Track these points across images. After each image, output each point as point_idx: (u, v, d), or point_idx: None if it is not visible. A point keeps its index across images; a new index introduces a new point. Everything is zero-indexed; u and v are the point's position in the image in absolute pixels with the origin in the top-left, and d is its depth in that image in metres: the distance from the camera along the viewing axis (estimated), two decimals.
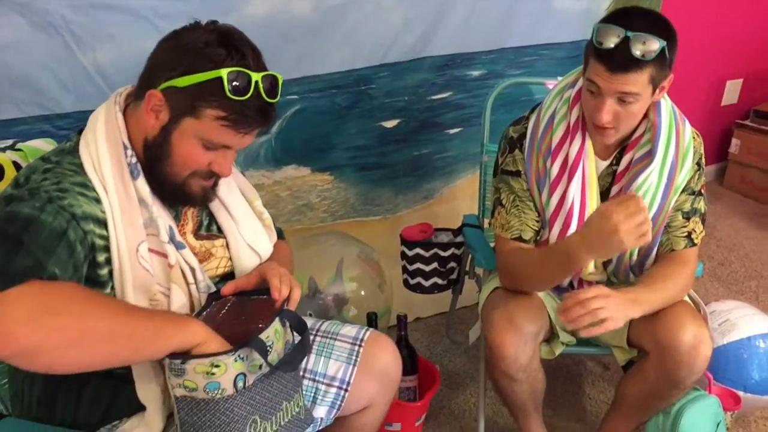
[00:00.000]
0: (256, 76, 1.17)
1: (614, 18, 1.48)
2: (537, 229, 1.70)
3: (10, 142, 1.63)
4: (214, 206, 1.37)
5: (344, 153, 2.37)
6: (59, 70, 1.79)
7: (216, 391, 1.12)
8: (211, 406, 1.12)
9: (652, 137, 1.61)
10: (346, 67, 2.24)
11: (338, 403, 1.44)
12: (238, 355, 1.14)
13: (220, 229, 1.38)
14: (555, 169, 1.65)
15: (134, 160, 1.22)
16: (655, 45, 1.44)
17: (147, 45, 1.84)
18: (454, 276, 2.17)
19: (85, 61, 1.81)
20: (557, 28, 2.58)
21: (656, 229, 1.66)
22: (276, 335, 1.21)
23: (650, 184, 1.62)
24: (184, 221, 1.33)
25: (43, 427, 1.28)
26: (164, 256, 1.23)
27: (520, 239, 1.68)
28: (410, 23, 2.28)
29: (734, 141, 3.66)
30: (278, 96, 1.22)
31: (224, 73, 1.14)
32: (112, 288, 1.19)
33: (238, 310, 1.26)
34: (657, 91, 1.54)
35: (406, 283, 2.20)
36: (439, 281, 2.14)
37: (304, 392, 1.34)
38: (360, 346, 1.47)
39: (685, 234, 1.67)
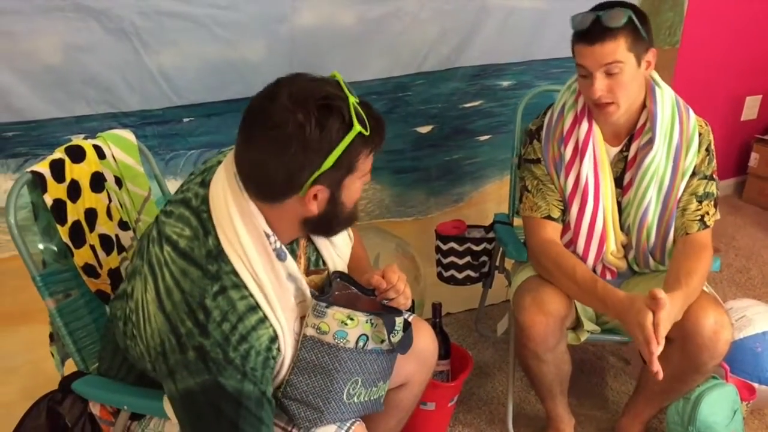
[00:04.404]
0: (351, 100, 1.21)
1: (589, 9, 1.71)
2: (562, 208, 1.85)
3: (81, 137, 1.79)
4: (319, 242, 1.44)
5: (381, 156, 2.43)
6: (127, 71, 1.94)
7: (342, 340, 1.30)
8: (332, 351, 1.30)
9: (651, 125, 1.77)
10: (385, 74, 2.38)
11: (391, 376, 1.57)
12: (371, 320, 1.32)
13: (324, 261, 1.46)
14: (568, 153, 1.82)
15: (279, 244, 1.28)
16: (621, 14, 1.65)
17: (206, 50, 2.04)
18: (485, 269, 2.30)
19: (150, 64, 1.96)
20: None
21: (669, 212, 1.80)
22: (399, 326, 1.36)
23: (656, 167, 1.77)
24: (298, 263, 1.39)
25: (124, 386, 1.40)
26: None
27: (549, 218, 1.84)
28: (446, 35, 2.42)
29: (753, 155, 3.76)
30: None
31: (357, 126, 1.18)
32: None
33: (351, 297, 1.41)
34: (642, 64, 1.70)
35: (440, 275, 2.33)
36: (472, 274, 2.28)
37: None
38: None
39: (699, 217, 1.79)
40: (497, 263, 2.28)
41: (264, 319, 1.24)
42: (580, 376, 2.35)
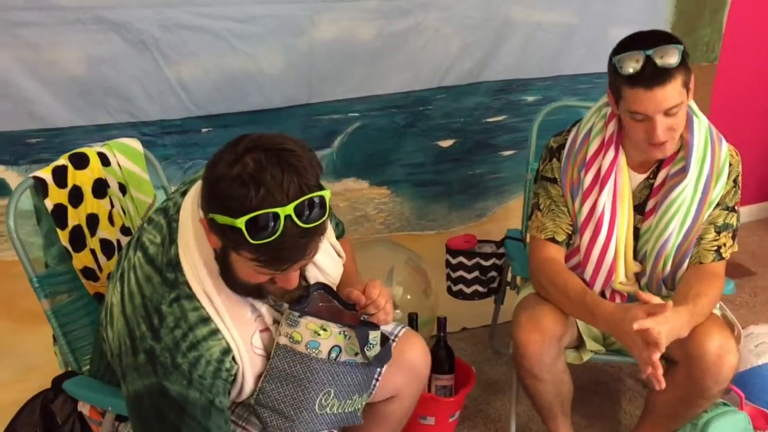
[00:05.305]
0: (285, 210, 1.09)
1: (626, 46, 1.60)
2: (569, 232, 1.81)
3: (101, 144, 1.85)
4: None
5: (401, 169, 2.52)
6: (147, 82, 1.99)
7: (314, 350, 1.32)
8: (304, 361, 1.31)
9: (686, 154, 1.70)
10: (406, 88, 2.39)
11: (370, 390, 1.55)
12: (344, 332, 1.33)
13: (307, 280, 1.43)
14: (588, 180, 1.76)
15: None
16: (675, 51, 1.56)
17: (224, 62, 2.09)
18: (494, 285, 2.28)
19: (170, 75, 2.01)
20: None
21: (688, 243, 1.75)
22: (375, 340, 1.38)
23: (684, 197, 1.71)
24: None
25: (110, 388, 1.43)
26: (269, 330, 1.36)
27: (553, 240, 1.79)
28: (468, 49, 2.42)
29: None
30: (326, 213, 1.15)
31: (241, 223, 1.09)
32: (234, 380, 1.31)
33: (333, 310, 1.42)
34: (689, 94, 1.63)
35: (449, 289, 2.33)
36: (480, 289, 2.27)
37: None
38: (393, 340, 1.58)
39: (715, 248, 1.74)
40: (509, 279, 2.26)
41: (216, 331, 1.25)
42: (594, 397, 2.31)
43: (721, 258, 1.75)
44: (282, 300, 1.34)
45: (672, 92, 1.57)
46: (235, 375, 1.30)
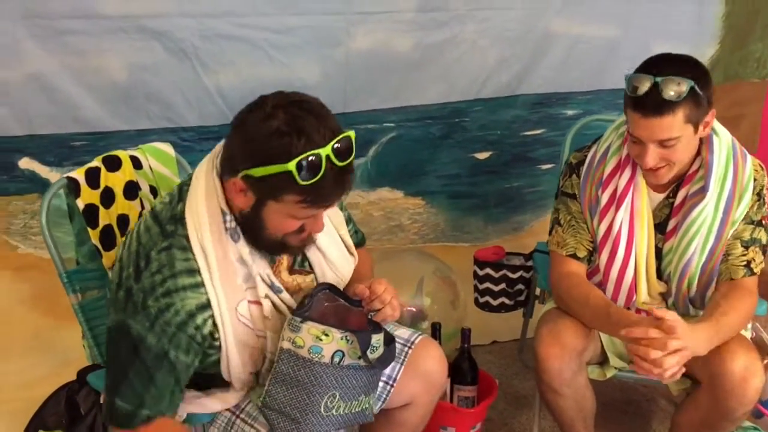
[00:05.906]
0: (325, 151, 1.21)
1: (644, 67, 1.58)
2: (590, 249, 1.79)
3: (134, 148, 1.90)
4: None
5: (436, 180, 2.52)
6: (186, 89, 2.06)
7: (316, 355, 1.33)
8: (307, 365, 1.33)
9: (705, 173, 1.67)
10: (442, 100, 2.40)
11: (384, 396, 1.57)
12: (346, 337, 1.34)
13: (311, 265, 1.48)
14: (605, 198, 1.74)
15: (233, 224, 1.33)
16: (683, 85, 1.51)
17: (262, 71, 2.14)
18: (521, 298, 2.26)
19: (209, 83, 2.07)
20: None
21: (714, 261, 1.71)
22: (378, 343, 1.39)
23: (705, 217, 1.68)
24: (279, 260, 1.43)
25: None
26: (260, 304, 1.38)
27: (574, 256, 1.78)
28: (506, 62, 2.41)
29: None
30: (353, 152, 1.27)
31: (292, 166, 1.18)
32: (219, 348, 1.35)
33: (340, 309, 1.44)
34: (700, 127, 1.60)
35: (476, 301, 2.32)
36: (507, 301, 2.24)
37: None
38: (410, 347, 1.60)
39: (744, 263, 1.70)
40: (537, 293, 2.24)
41: (200, 284, 1.30)
42: (623, 416, 2.27)
43: (752, 273, 1.70)
44: (294, 286, 1.40)
45: (670, 125, 1.55)
46: (219, 342, 1.33)
